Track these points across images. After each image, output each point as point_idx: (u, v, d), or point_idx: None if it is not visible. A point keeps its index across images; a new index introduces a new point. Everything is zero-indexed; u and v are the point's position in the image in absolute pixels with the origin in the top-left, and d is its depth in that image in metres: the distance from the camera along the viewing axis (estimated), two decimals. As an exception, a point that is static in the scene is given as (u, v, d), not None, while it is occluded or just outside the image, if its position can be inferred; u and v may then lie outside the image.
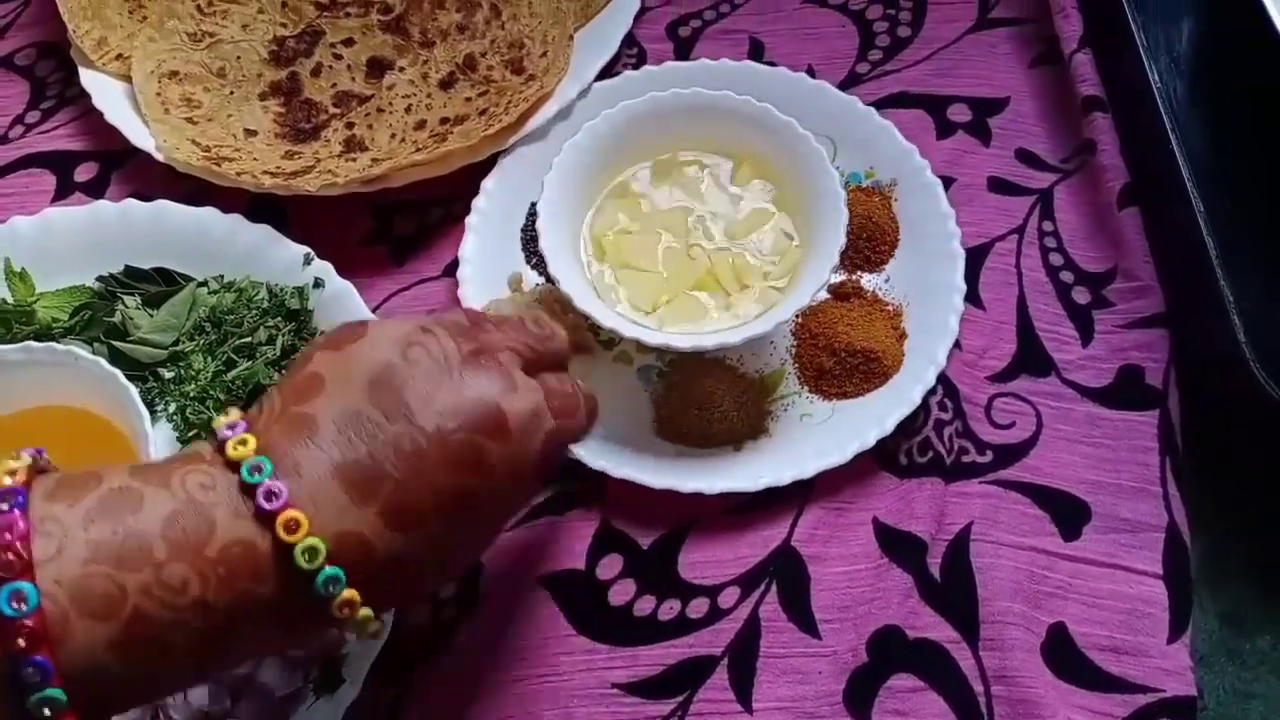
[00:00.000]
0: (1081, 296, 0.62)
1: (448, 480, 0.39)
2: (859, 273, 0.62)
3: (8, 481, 0.36)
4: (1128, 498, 0.56)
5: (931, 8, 0.73)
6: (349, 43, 0.71)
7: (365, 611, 0.38)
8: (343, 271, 0.61)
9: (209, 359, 0.59)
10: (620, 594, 0.55)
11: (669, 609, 0.54)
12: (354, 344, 0.41)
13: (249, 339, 0.59)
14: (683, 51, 0.72)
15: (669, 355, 0.59)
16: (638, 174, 0.62)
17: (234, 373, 0.58)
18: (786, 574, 0.55)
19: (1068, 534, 0.56)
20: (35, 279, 0.62)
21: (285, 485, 0.37)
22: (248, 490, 0.37)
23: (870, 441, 0.55)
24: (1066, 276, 0.63)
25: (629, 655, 0.53)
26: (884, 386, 0.58)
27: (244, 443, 0.38)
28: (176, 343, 0.60)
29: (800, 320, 0.60)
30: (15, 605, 0.33)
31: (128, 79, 0.69)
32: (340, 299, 0.61)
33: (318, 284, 0.61)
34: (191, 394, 0.58)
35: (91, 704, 0.34)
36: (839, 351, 0.58)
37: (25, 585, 0.33)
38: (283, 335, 0.59)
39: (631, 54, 0.72)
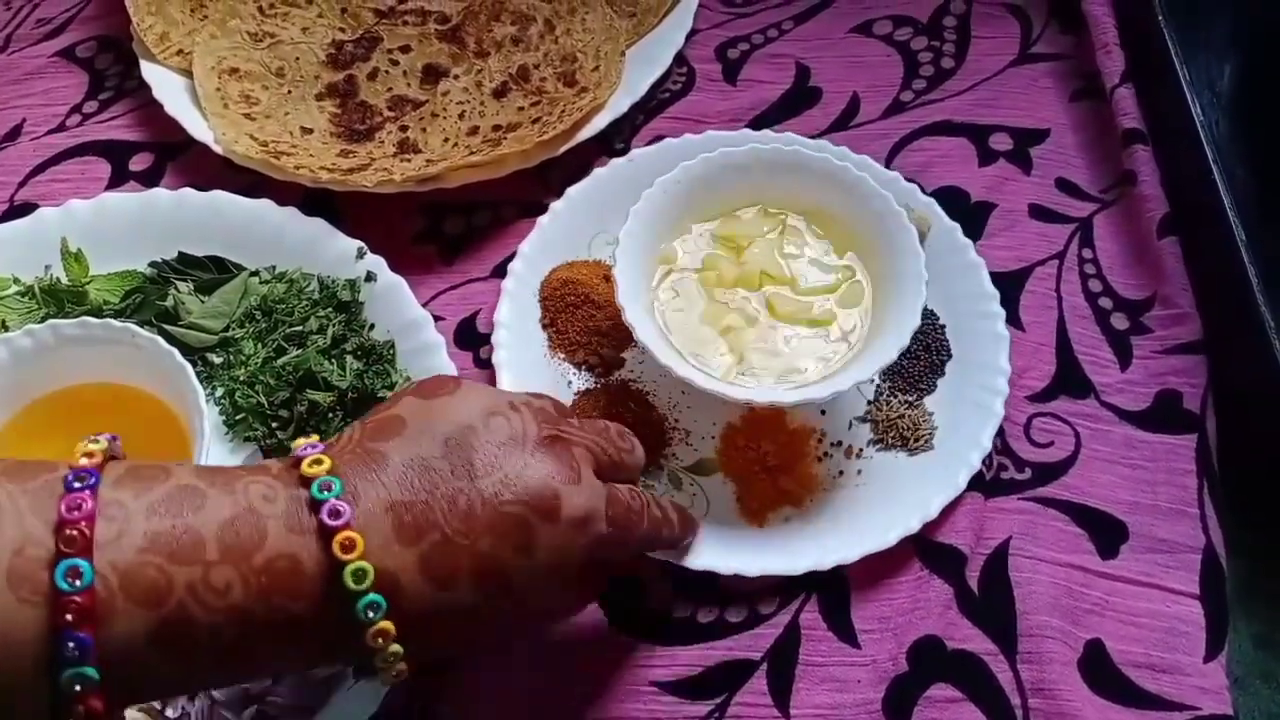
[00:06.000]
0: (1120, 322, 0.63)
1: (489, 548, 0.40)
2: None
3: (84, 462, 0.37)
4: (1165, 518, 0.57)
5: (975, 41, 0.74)
6: (406, 49, 0.72)
7: (395, 647, 0.39)
8: (393, 268, 0.62)
9: (259, 345, 0.60)
10: (660, 595, 0.55)
11: (708, 612, 0.55)
12: (442, 398, 0.43)
13: (299, 327, 0.60)
14: (730, 73, 0.74)
15: None
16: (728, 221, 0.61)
17: (284, 359, 0.59)
18: (827, 584, 0.55)
19: (1105, 552, 0.56)
20: (89, 261, 0.62)
21: (348, 507, 0.38)
22: (314, 506, 0.38)
23: (915, 526, 0.55)
24: (1105, 303, 0.64)
25: (668, 654, 0.54)
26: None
27: (319, 462, 0.40)
28: (227, 329, 0.61)
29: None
30: (70, 581, 0.34)
31: (187, 74, 0.70)
32: (391, 293, 0.61)
33: (369, 278, 0.62)
34: (241, 378, 0.59)
35: (118, 688, 0.35)
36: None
37: (82, 563, 0.34)
38: (333, 325, 0.60)
39: (681, 72, 0.74)
